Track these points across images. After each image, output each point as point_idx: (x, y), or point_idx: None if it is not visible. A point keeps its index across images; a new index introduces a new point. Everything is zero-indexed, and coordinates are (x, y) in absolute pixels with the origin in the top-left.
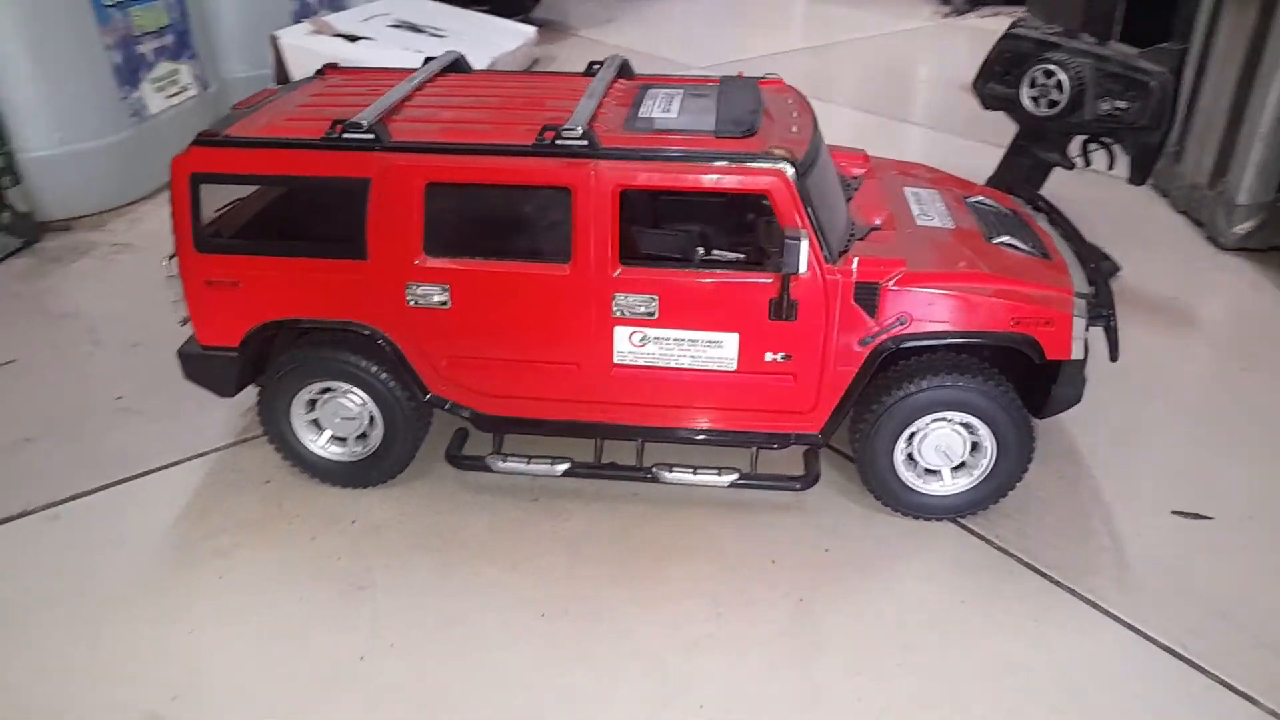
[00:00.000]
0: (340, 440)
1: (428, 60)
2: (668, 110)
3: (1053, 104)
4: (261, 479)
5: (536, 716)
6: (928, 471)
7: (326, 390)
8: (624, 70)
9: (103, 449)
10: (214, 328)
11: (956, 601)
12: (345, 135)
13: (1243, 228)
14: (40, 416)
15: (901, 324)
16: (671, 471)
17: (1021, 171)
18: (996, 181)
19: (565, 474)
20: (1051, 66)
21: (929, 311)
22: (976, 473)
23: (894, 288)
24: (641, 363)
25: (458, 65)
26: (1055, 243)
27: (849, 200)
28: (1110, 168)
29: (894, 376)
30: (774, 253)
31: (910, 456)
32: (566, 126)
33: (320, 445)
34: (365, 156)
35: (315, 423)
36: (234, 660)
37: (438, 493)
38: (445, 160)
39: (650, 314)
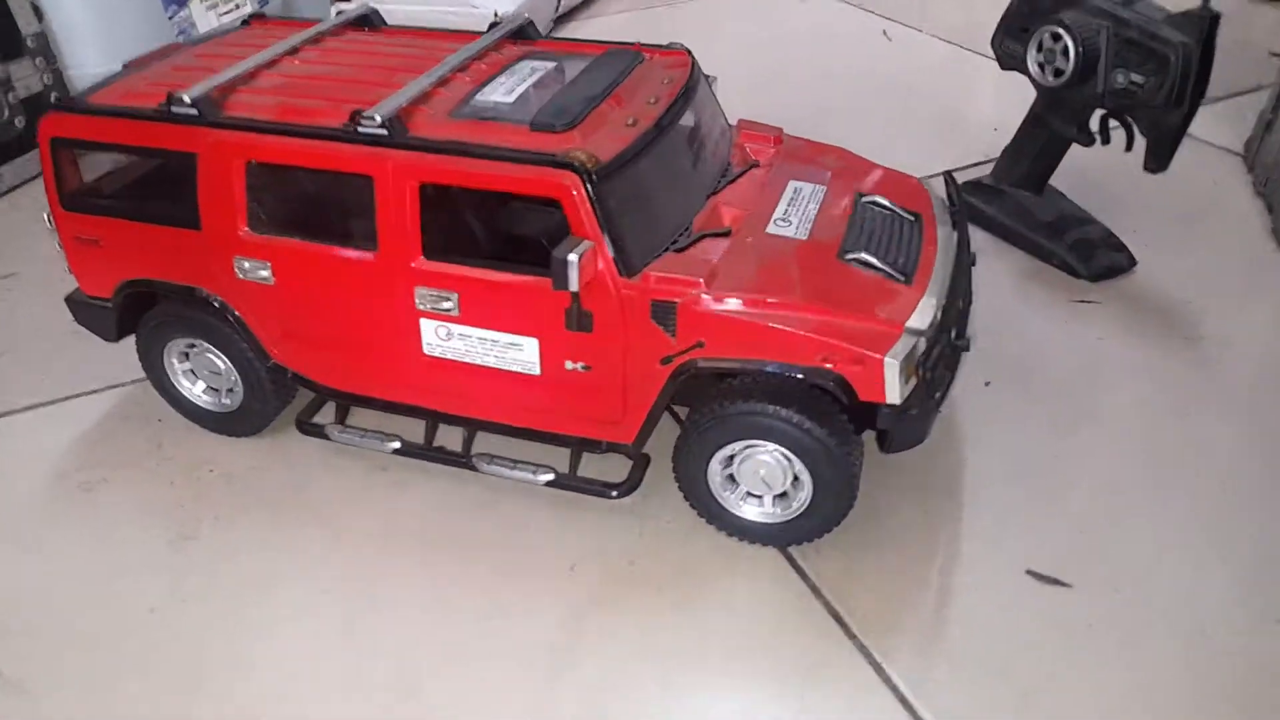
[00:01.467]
0: (215, 390)
1: (339, 14)
2: (511, 91)
3: (1058, 73)
4: (155, 417)
5: (278, 696)
6: (751, 495)
7: (194, 345)
8: (523, 33)
9: (50, 370)
10: (88, 279)
11: (738, 638)
12: (173, 110)
13: None
14: (18, 333)
15: (700, 346)
16: (491, 464)
17: (1036, 144)
18: (1010, 153)
19: (395, 452)
20: (1060, 30)
21: (728, 337)
22: (795, 505)
23: (693, 309)
24: (450, 356)
25: (368, 20)
26: (937, 263)
27: (716, 193)
28: (1128, 149)
29: (716, 394)
30: None
31: (731, 477)
32: (368, 113)
33: (196, 393)
34: (192, 131)
35: (192, 371)
36: (48, 591)
37: (301, 452)
38: (262, 140)
39: (452, 310)
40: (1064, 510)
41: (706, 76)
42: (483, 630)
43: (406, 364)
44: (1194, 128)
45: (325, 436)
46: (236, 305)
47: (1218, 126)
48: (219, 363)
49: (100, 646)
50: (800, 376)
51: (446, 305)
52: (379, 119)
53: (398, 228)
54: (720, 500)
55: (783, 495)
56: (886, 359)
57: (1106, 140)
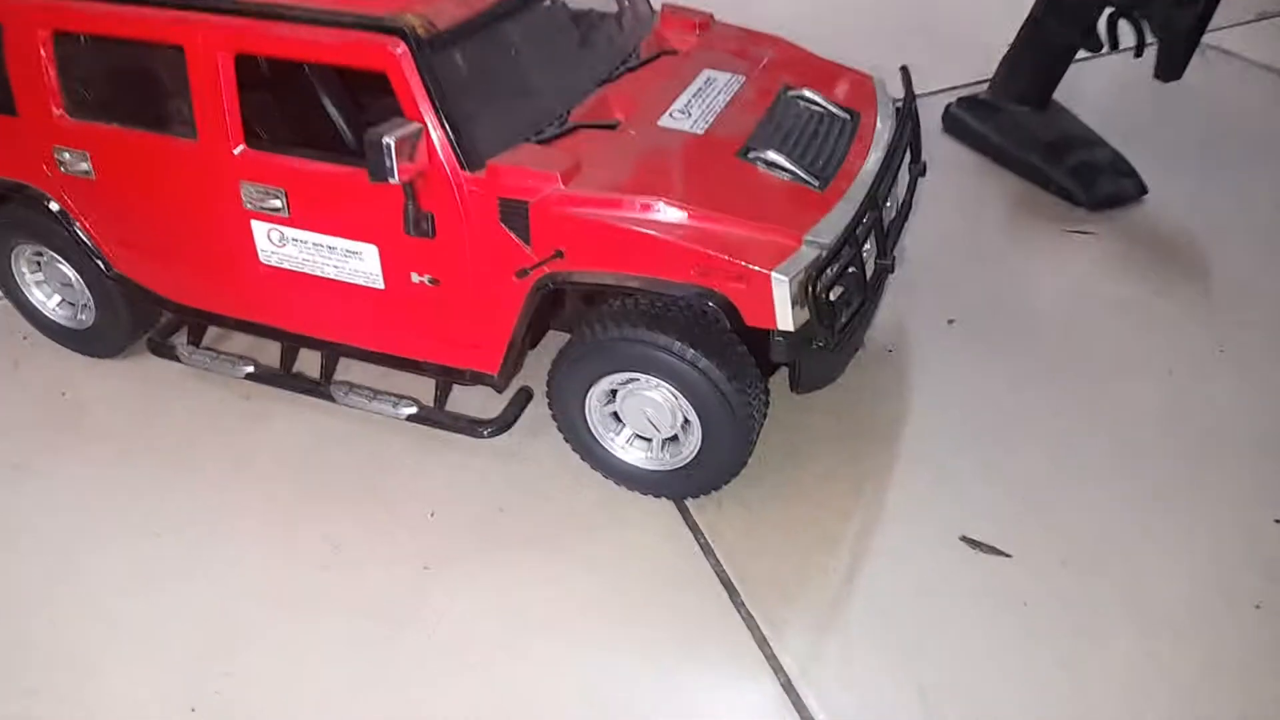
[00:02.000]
0: (71, 305)
1: None
2: None
3: None
4: (21, 334)
5: (67, 656)
6: (640, 438)
7: (41, 253)
8: None
9: None
10: None
11: (607, 600)
12: None
13: None
14: None
15: (559, 257)
16: (349, 394)
17: (1036, 52)
18: (1008, 63)
19: (248, 377)
20: None
21: (590, 246)
22: (685, 452)
23: (549, 210)
24: (287, 265)
25: None
26: (864, 168)
27: (609, 81)
28: (1137, 54)
29: (592, 316)
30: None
31: (616, 415)
32: None
33: (51, 307)
34: None
35: (45, 283)
36: None
37: (163, 378)
38: (63, 6)
39: (281, 210)
40: (1014, 471)
41: None
42: (318, 583)
43: (244, 275)
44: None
45: (176, 358)
46: (65, 204)
47: (1258, 41)
48: (69, 273)
49: None
50: (675, 295)
51: (275, 204)
52: None
53: (215, 110)
54: (600, 440)
55: (673, 439)
56: (774, 274)
57: (1115, 45)
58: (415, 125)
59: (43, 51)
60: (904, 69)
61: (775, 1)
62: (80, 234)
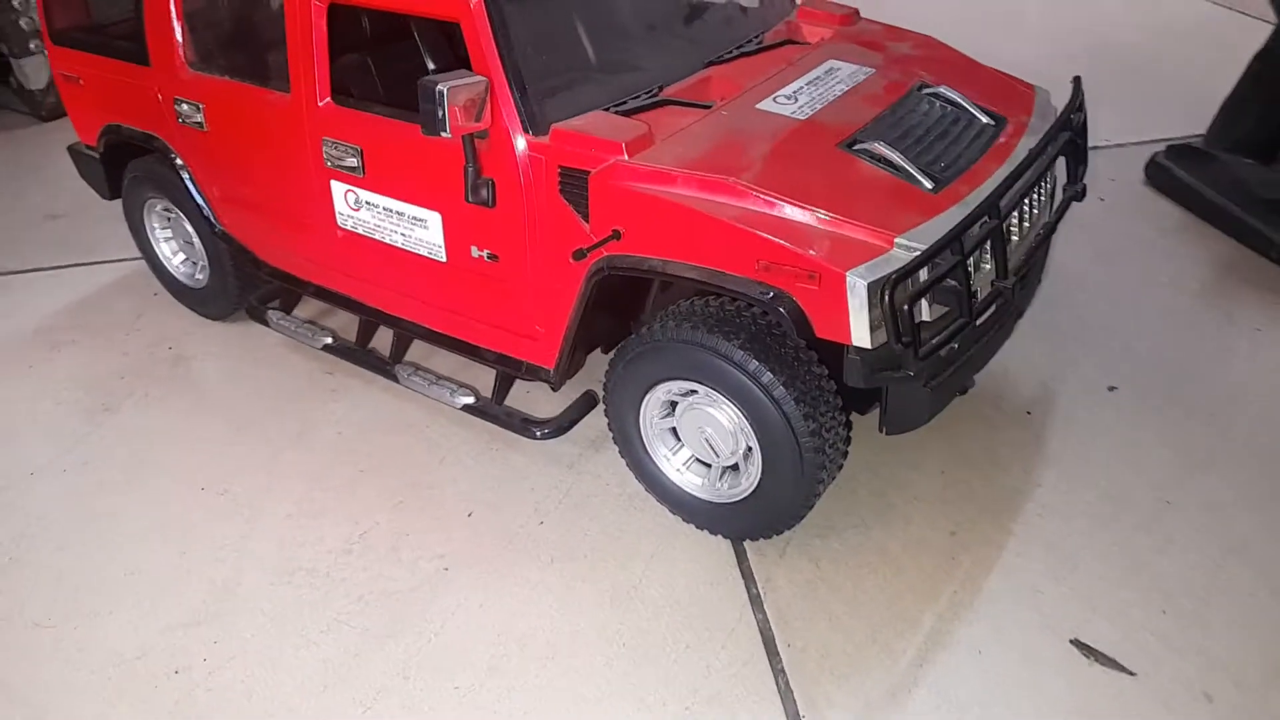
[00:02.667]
0: (192, 264)
1: None
2: None
3: None
4: (151, 291)
5: (99, 582)
6: (700, 462)
7: (170, 210)
8: None
9: (98, 234)
10: (79, 125)
11: (613, 638)
12: None
13: None
14: (81, 198)
15: (616, 238)
16: (412, 375)
17: (1266, 94)
18: (1229, 109)
19: (325, 348)
20: None
21: (647, 226)
22: (744, 483)
23: (608, 182)
24: (361, 231)
25: None
26: (994, 174)
27: (718, 63)
28: None
29: (657, 315)
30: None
31: (675, 432)
32: None
33: (175, 264)
34: None
35: (173, 239)
36: None
37: (263, 345)
38: None
39: (356, 170)
40: (1157, 573)
41: None
42: (334, 566)
43: (323, 239)
44: None
45: (265, 322)
46: (183, 155)
47: None
48: (190, 229)
49: None
50: (736, 291)
51: (351, 162)
52: None
53: (306, 60)
54: (653, 455)
55: (733, 468)
56: (849, 274)
57: None
58: (478, 78)
59: (172, 3)
60: (1076, 79)
61: (971, 41)
62: (192, 187)
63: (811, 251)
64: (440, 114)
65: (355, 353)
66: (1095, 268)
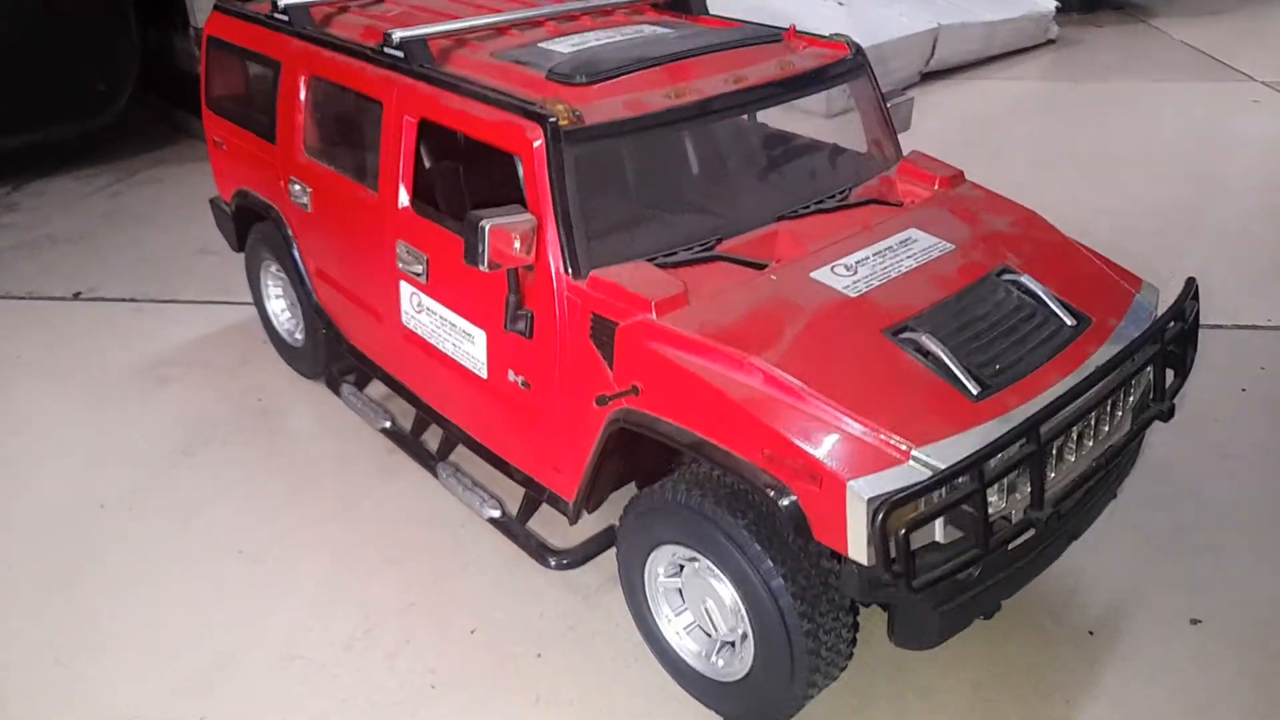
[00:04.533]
0: (292, 323)
1: None
2: (581, 44)
3: None
4: (260, 339)
5: (121, 630)
6: (701, 629)
7: (279, 272)
8: (685, 4)
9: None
10: (220, 183)
11: None
12: (273, 15)
13: None
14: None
15: (634, 393)
16: (450, 476)
17: None
18: None
19: (383, 430)
20: None
21: (663, 388)
22: (736, 665)
23: (634, 337)
24: (420, 332)
25: None
26: (1058, 385)
27: (791, 217)
28: None
29: (671, 473)
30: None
31: (680, 592)
32: (394, 35)
33: (282, 320)
34: (280, 39)
35: (280, 298)
36: (38, 454)
37: (339, 413)
38: (319, 54)
39: (421, 276)
40: None
41: (875, 80)
42: (328, 656)
43: (390, 331)
44: None
45: (338, 393)
46: (292, 229)
47: None
48: (292, 294)
49: (27, 529)
50: (739, 472)
51: (418, 269)
52: (397, 39)
53: (393, 164)
54: (654, 610)
55: (731, 645)
56: (851, 484)
57: None
58: (526, 218)
59: (302, 91)
60: (1191, 280)
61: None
62: (297, 258)
63: (816, 451)
64: (481, 248)
65: (408, 441)
66: (1215, 469)
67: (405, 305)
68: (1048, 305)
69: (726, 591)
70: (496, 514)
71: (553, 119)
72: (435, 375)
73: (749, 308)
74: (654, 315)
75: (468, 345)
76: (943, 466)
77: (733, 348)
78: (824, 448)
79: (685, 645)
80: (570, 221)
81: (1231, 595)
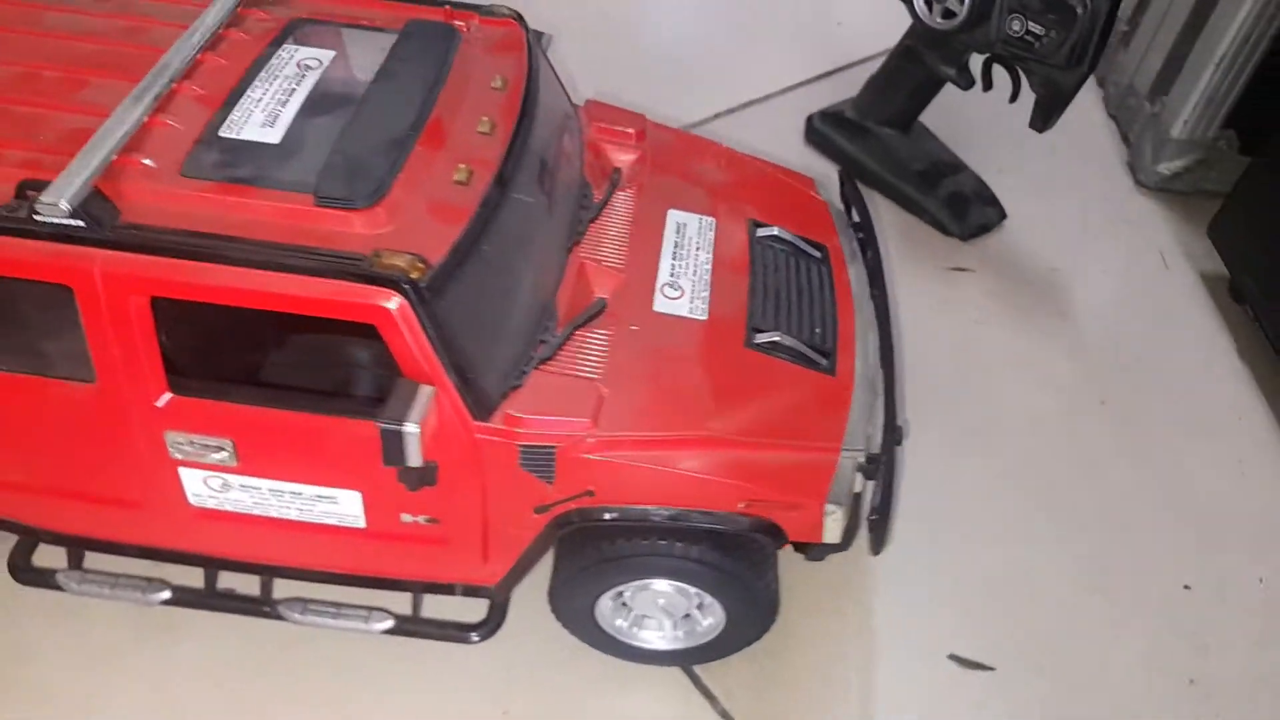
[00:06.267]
0: None
1: None
2: (273, 118)
3: (948, 14)
4: None
5: None
6: (647, 618)
7: None
8: None
9: None
10: None
11: None
12: None
13: (1170, 167)
14: None
15: (589, 495)
16: (305, 612)
17: (910, 81)
18: (877, 87)
19: (165, 603)
20: None
21: (625, 486)
22: (703, 627)
23: (577, 455)
24: (229, 508)
25: None
26: (858, 332)
27: (577, 241)
28: (1013, 99)
29: (600, 530)
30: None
31: (625, 604)
32: (49, 195)
33: None
34: None
35: None
36: None
37: (24, 605)
38: None
39: (227, 460)
40: (974, 572)
41: (540, 42)
42: None
43: (165, 515)
44: None
45: (57, 586)
46: None
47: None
48: None
49: None
50: (720, 528)
51: (217, 456)
52: (66, 205)
53: (124, 355)
54: (615, 634)
55: (686, 616)
56: (828, 506)
57: (988, 86)
58: (427, 390)
59: None
60: (843, 174)
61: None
62: None
63: (788, 489)
64: (411, 449)
65: (211, 599)
66: None
67: (195, 489)
68: (802, 250)
69: (670, 587)
70: (389, 624)
71: (407, 280)
72: (266, 537)
73: (645, 375)
74: (594, 430)
75: (328, 506)
76: (862, 445)
77: (683, 432)
78: (791, 484)
79: (648, 638)
80: (464, 371)
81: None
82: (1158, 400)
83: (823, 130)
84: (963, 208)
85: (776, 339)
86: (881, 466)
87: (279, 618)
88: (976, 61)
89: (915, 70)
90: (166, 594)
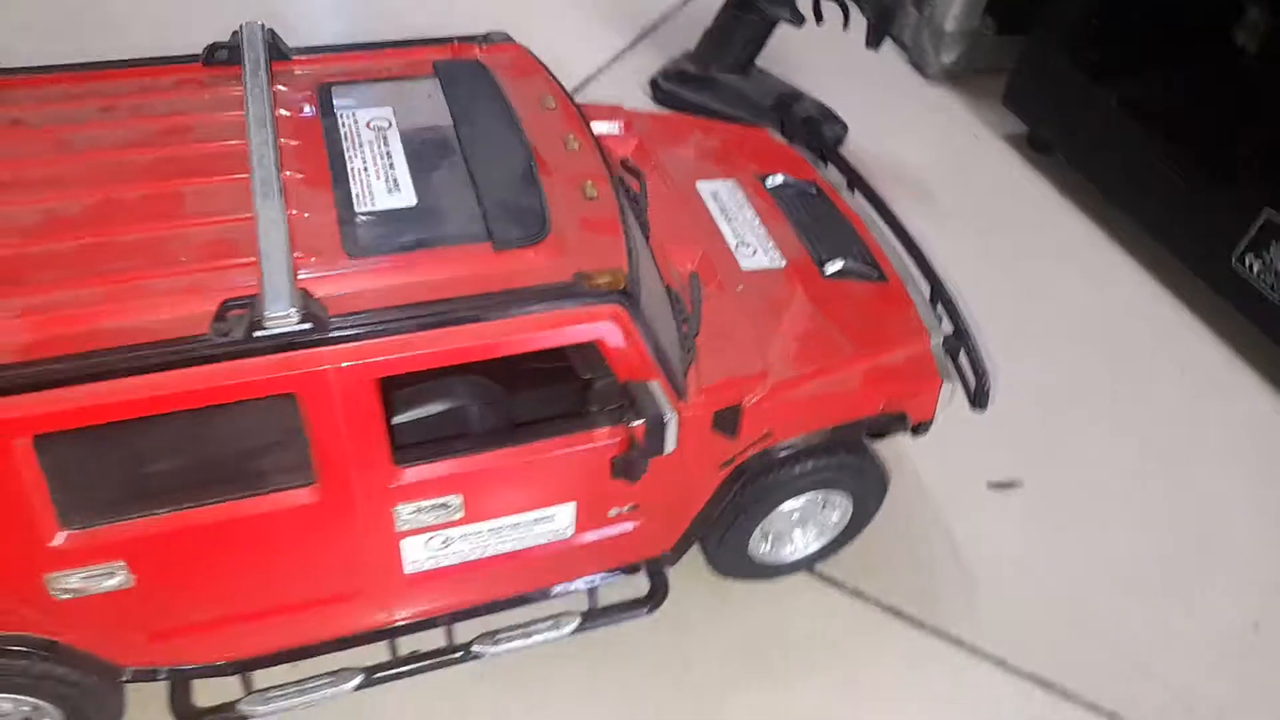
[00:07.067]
0: None
1: None
2: (392, 182)
3: None
4: None
5: None
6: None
7: None
8: (273, 51)
9: None
10: None
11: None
12: None
13: (950, 57)
14: None
15: (768, 437)
16: (498, 643)
17: (746, 28)
18: (714, 38)
19: (359, 687)
20: None
21: (795, 419)
22: (829, 529)
23: (759, 406)
24: (446, 563)
25: None
26: (879, 242)
27: (649, 231)
28: (845, 27)
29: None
30: (612, 408)
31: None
32: (270, 304)
33: None
34: None
35: None
36: None
37: None
38: (52, 399)
39: (454, 513)
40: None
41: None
42: None
43: (377, 594)
44: None
45: (241, 718)
46: (64, 636)
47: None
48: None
49: None
50: (866, 428)
51: (443, 514)
52: (296, 313)
53: (356, 446)
54: (762, 560)
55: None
56: (945, 384)
57: (820, 19)
58: (656, 384)
59: (22, 466)
60: (808, 121)
61: None
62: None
63: (911, 383)
64: (670, 437)
65: (403, 663)
66: None
67: (414, 554)
68: (806, 191)
69: (798, 501)
70: (576, 623)
71: (618, 291)
72: (468, 582)
73: (776, 323)
74: (766, 380)
75: (543, 526)
76: (939, 324)
77: (824, 361)
78: (915, 372)
79: (792, 552)
80: (666, 361)
81: None
82: (1019, 238)
83: (669, 89)
84: (816, 129)
85: (841, 265)
86: (964, 336)
87: (474, 657)
88: (806, 2)
89: (750, 18)
90: (359, 679)
